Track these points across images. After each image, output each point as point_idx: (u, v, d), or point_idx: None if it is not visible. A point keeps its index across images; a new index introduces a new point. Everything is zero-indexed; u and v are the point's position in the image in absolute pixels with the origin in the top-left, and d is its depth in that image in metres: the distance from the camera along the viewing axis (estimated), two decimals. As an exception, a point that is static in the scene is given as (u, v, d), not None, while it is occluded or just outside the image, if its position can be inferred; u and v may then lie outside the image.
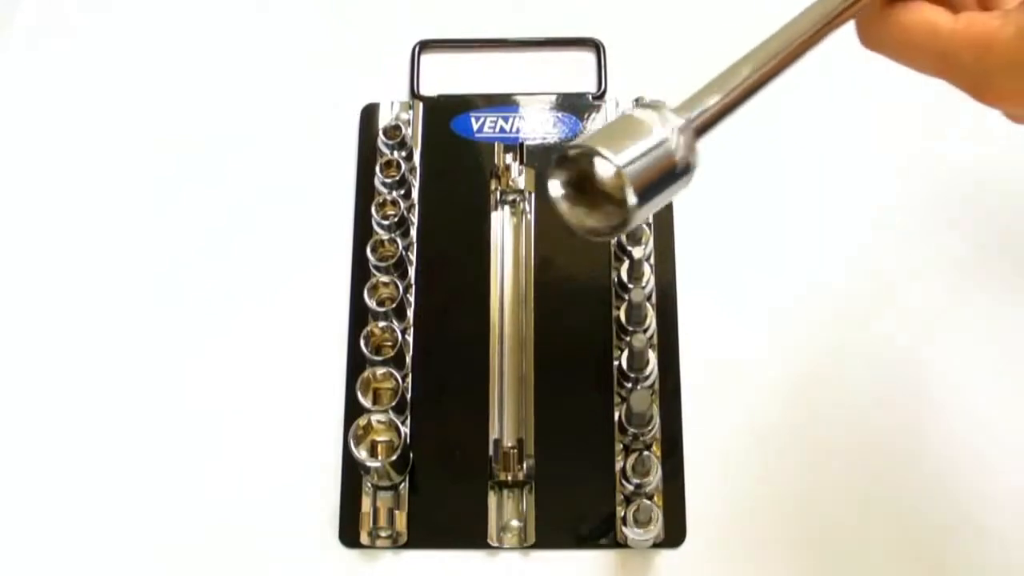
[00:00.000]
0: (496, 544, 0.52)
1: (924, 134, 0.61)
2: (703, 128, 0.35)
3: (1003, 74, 0.33)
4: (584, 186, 0.34)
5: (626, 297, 0.55)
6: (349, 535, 0.53)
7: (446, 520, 0.53)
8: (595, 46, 0.64)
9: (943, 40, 0.34)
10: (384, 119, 0.62)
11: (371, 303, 0.54)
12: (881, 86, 0.62)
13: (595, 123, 0.61)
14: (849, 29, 0.38)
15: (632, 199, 0.32)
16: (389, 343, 0.54)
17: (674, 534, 0.52)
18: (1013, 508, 0.53)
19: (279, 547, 0.53)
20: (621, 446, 0.53)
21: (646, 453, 0.51)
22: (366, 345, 0.54)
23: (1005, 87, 0.34)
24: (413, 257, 0.58)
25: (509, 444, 0.54)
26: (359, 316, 0.56)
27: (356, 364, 0.55)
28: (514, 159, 0.60)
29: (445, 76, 0.64)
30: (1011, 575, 0.52)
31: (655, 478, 0.51)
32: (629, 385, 0.54)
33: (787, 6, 0.66)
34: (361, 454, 0.51)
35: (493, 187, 0.60)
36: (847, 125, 0.62)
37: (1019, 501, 0.53)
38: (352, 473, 0.54)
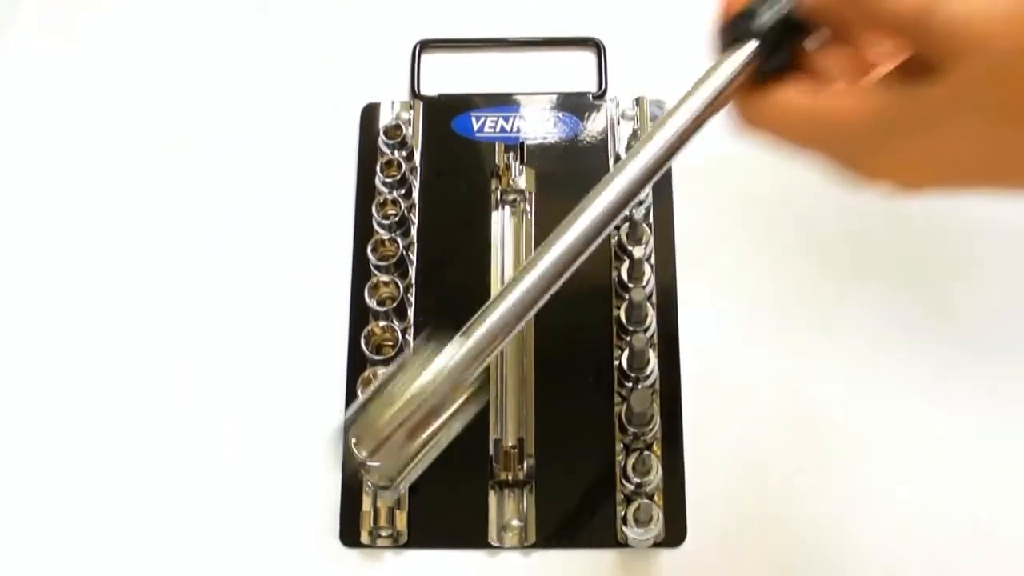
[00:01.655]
0: (496, 544, 0.52)
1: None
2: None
3: (869, 151, 0.33)
4: None
5: (626, 297, 0.55)
6: (349, 535, 0.53)
7: (446, 520, 0.53)
8: (595, 46, 0.64)
9: (814, 117, 0.33)
10: (384, 119, 0.62)
11: (371, 303, 0.54)
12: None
13: (595, 123, 0.61)
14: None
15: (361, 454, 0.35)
16: (389, 343, 0.54)
17: (674, 534, 0.52)
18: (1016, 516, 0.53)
19: (279, 547, 0.53)
20: (621, 446, 0.53)
21: (646, 453, 0.51)
22: (366, 345, 0.54)
23: (870, 164, 0.34)
24: (413, 257, 0.58)
25: (509, 444, 0.54)
26: (359, 316, 0.56)
27: (356, 364, 0.55)
28: (514, 159, 0.60)
29: (445, 76, 0.64)
30: None
31: (655, 478, 0.51)
32: (629, 385, 0.54)
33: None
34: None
35: (493, 187, 0.60)
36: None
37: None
38: (352, 473, 0.54)
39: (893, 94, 0.32)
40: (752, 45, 0.34)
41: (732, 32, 0.34)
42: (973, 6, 0.30)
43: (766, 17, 0.34)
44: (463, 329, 0.38)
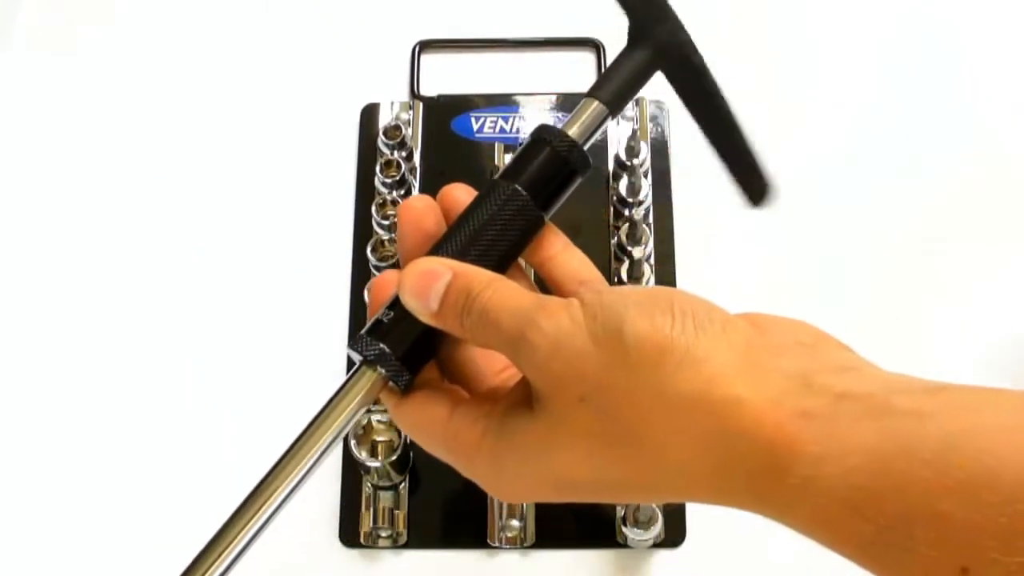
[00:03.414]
0: (496, 544, 0.52)
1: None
2: None
3: (490, 474, 0.34)
4: None
5: (626, 297, 0.54)
6: (349, 535, 0.53)
7: (446, 520, 0.53)
8: (595, 46, 0.64)
9: (445, 436, 0.34)
10: (384, 119, 0.62)
11: (371, 303, 0.54)
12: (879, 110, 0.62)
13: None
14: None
15: None
16: (389, 343, 0.54)
17: (674, 534, 0.52)
18: None
19: (279, 547, 0.53)
20: (621, 446, 0.53)
21: (646, 453, 0.51)
22: (366, 345, 0.54)
23: (492, 483, 0.34)
24: (413, 257, 0.58)
25: (509, 444, 0.54)
26: (359, 316, 0.56)
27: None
28: (514, 159, 0.60)
29: (445, 76, 0.64)
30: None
31: (655, 478, 0.51)
32: (629, 385, 0.54)
33: (785, 7, 0.67)
34: (361, 454, 0.51)
35: (493, 187, 0.60)
36: (848, 130, 0.62)
37: None
38: (352, 473, 0.54)
39: (505, 426, 0.33)
40: (378, 373, 0.34)
41: (360, 351, 0.34)
42: (558, 341, 0.31)
43: (392, 337, 0.34)
44: None
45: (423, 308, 0.33)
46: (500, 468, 0.33)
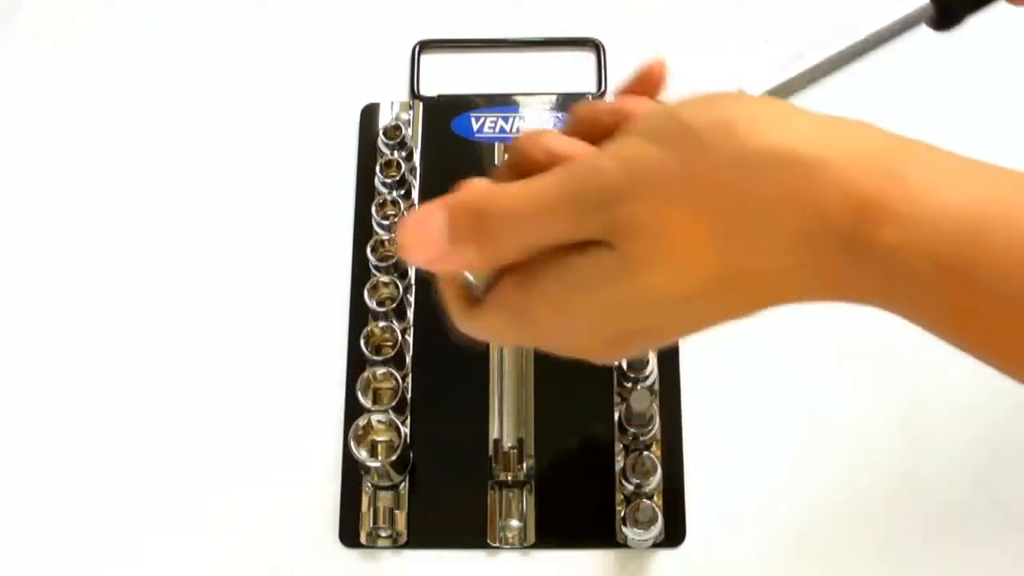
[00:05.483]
0: (496, 544, 0.52)
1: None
2: None
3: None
4: None
5: (626, 297, 0.54)
6: (349, 535, 0.53)
7: (446, 520, 0.53)
8: (595, 46, 0.64)
9: None
10: (384, 119, 0.62)
11: (371, 303, 0.54)
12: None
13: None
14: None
15: None
16: (389, 343, 0.54)
17: (674, 534, 0.52)
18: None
19: (279, 547, 0.53)
20: (621, 446, 0.54)
21: (646, 453, 0.51)
22: (366, 345, 0.54)
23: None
24: (413, 257, 0.58)
25: (509, 444, 0.54)
26: (359, 316, 0.56)
27: (356, 364, 0.55)
28: (514, 159, 0.60)
29: (445, 76, 0.64)
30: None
31: (655, 478, 0.51)
32: (629, 385, 0.54)
33: (784, 6, 0.67)
34: (361, 454, 0.51)
35: (493, 187, 0.60)
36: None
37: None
38: (352, 473, 0.54)
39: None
40: None
41: None
42: (626, 160, 0.30)
43: None
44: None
45: (424, 256, 0.32)
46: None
